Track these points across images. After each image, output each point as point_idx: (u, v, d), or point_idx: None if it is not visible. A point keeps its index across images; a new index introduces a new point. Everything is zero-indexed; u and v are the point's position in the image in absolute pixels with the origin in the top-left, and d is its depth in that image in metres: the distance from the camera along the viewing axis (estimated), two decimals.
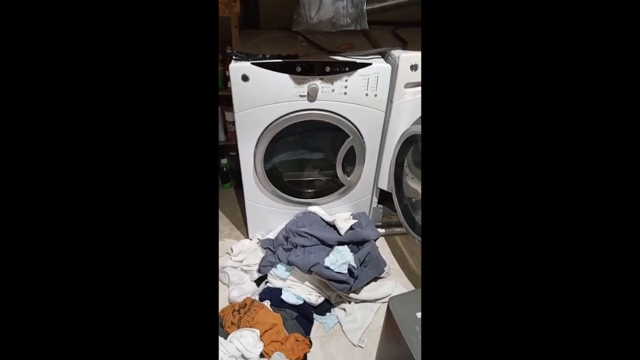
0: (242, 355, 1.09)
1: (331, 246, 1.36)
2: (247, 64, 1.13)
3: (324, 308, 1.30)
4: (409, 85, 1.23)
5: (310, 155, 1.52)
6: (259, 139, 1.27)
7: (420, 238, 1.30)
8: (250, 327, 1.15)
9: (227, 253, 1.49)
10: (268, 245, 1.45)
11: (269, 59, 1.14)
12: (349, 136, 1.30)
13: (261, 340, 1.13)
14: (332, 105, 1.23)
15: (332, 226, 1.44)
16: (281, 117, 1.23)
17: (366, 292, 1.34)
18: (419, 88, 1.25)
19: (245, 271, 1.41)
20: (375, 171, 1.45)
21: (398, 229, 1.60)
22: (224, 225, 1.65)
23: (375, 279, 1.40)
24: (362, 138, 1.32)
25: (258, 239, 1.51)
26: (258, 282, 1.37)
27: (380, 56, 1.25)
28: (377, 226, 1.56)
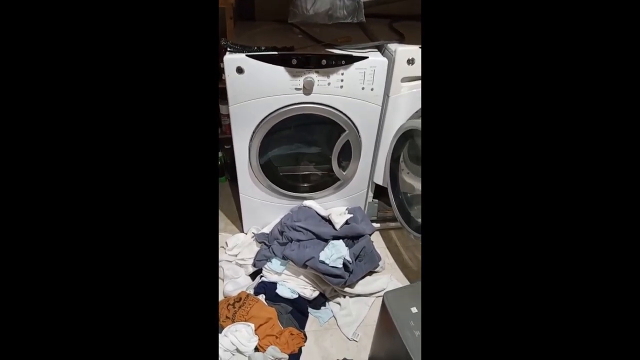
0: (237, 349, 1.10)
1: (326, 240, 1.36)
2: (242, 55, 1.11)
3: (319, 302, 1.30)
4: (406, 79, 1.23)
5: (306, 149, 1.51)
6: (253, 133, 1.25)
7: (415, 233, 1.30)
8: (245, 321, 1.15)
9: (222, 247, 1.48)
10: (263, 240, 1.45)
11: (264, 51, 1.13)
12: (344, 130, 1.29)
13: (256, 334, 1.13)
14: (328, 99, 1.22)
15: (328, 221, 1.44)
16: (276, 110, 1.21)
17: (361, 286, 1.34)
18: (416, 82, 1.24)
19: (240, 265, 1.41)
20: (370, 166, 1.44)
21: (393, 224, 1.61)
22: (219, 219, 1.64)
23: (370, 273, 1.40)
24: (358, 132, 1.31)
25: (253, 233, 1.50)
26: (253, 276, 1.37)
27: (376, 49, 1.24)
28: (372, 221, 1.56)
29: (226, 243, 1.48)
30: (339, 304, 1.30)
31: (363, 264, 1.36)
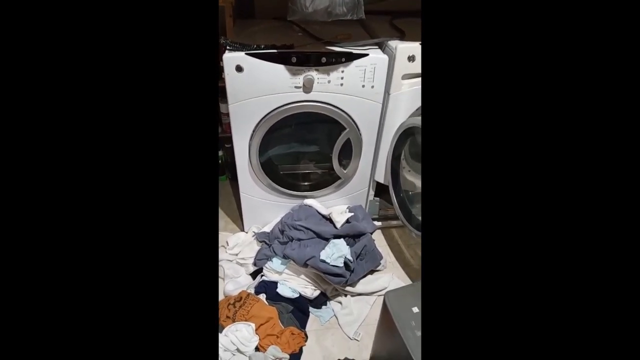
0: (238, 349, 1.09)
1: (327, 239, 1.35)
2: (241, 54, 1.10)
3: (320, 301, 1.29)
4: (407, 76, 1.22)
5: (306, 147, 1.50)
6: (253, 131, 1.25)
7: (417, 231, 1.29)
8: (246, 320, 1.15)
9: (223, 246, 1.48)
10: (264, 239, 1.44)
11: (264, 49, 1.12)
12: (345, 128, 1.28)
13: (256, 333, 1.13)
14: (328, 97, 1.21)
15: (328, 219, 1.43)
16: (276, 108, 1.21)
17: (362, 285, 1.33)
18: (417, 79, 1.23)
19: (241, 264, 1.41)
20: (371, 164, 1.44)
21: (394, 222, 1.60)
22: (219, 218, 1.64)
23: (372, 272, 1.40)
24: (359, 130, 1.30)
25: (254, 232, 1.50)
26: (253, 275, 1.37)
27: (377, 47, 1.23)
28: (374, 219, 1.55)
29: (227, 242, 1.48)
30: (340, 303, 1.29)
31: (364, 262, 1.35)
